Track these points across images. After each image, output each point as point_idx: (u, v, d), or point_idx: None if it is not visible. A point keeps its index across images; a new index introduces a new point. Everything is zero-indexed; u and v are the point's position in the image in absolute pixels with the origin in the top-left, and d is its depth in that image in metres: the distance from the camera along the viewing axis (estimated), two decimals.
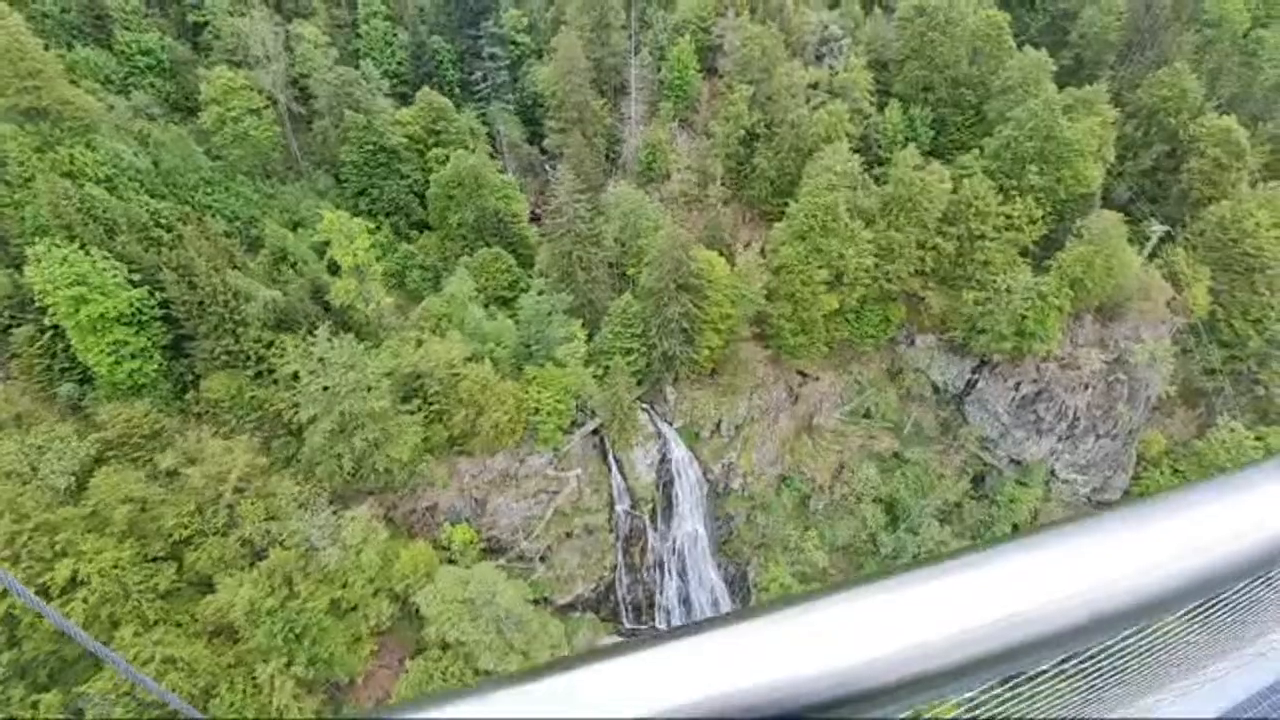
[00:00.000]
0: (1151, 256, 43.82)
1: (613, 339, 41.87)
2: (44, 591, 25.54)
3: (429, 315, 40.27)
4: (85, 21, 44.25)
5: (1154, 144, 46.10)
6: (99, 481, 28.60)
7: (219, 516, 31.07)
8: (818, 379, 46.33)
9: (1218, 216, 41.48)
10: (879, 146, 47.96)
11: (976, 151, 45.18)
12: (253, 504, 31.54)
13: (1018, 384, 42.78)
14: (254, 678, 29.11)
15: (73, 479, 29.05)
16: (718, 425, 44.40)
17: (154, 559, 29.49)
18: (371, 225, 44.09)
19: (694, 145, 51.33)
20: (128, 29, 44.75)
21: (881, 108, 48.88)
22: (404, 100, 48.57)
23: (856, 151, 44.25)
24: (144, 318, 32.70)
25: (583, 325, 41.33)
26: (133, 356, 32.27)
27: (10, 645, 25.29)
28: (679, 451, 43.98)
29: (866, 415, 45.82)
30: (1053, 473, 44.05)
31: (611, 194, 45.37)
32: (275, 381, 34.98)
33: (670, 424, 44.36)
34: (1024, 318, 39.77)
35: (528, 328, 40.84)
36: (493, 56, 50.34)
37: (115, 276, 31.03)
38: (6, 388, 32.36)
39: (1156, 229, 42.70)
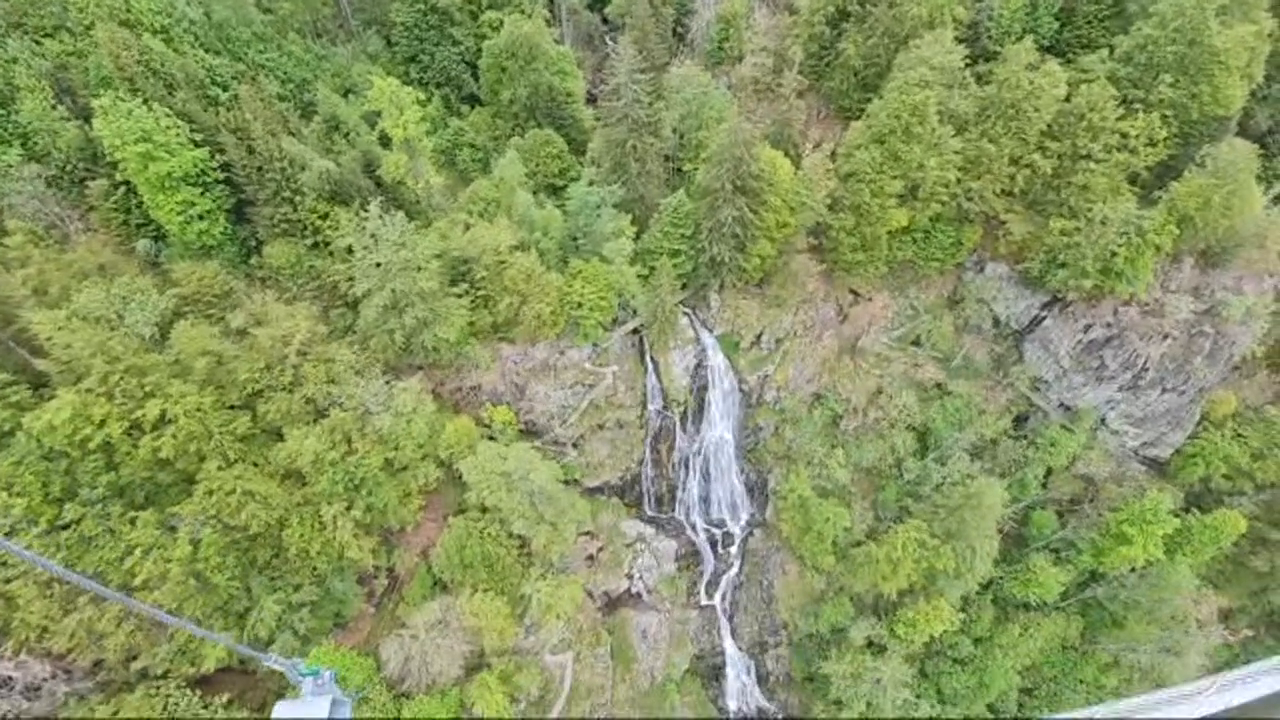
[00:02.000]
0: (1278, 199, 38.14)
1: (661, 238, 40.53)
2: (137, 425, 28.87)
3: (477, 199, 39.62)
4: None
5: None
6: (179, 334, 31.02)
7: (285, 375, 33.60)
8: (870, 299, 44.35)
9: None
10: (989, 37, 41.40)
11: (1105, 52, 38.58)
12: (314, 367, 33.84)
13: (1088, 326, 39.86)
14: (319, 516, 33.08)
15: (155, 329, 31.60)
16: (759, 337, 43.85)
17: (231, 407, 32.62)
18: (422, 96, 42.26)
19: (774, 23, 45.60)
20: None
21: None
22: None
23: (961, 41, 38.39)
24: (208, 180, 33.41)
25: (632, 221, 40.00)
26: (200, 218, 33.46)
27: (108, 469, 29.15)
28: (716, 359, 44.06)
29: (915, 342, 44.19)
30: (1103, 421, 42.27)
31: (675, 75, 41.54)
32: (331, 253, 35.97)
33: (711, 331, 44.05)
34: (1114, 254, 36.03)
35: (575, 219, 39.82)
36: None
37: (178, 135, 31.33)
38: (90, 239, 34.41)
39: None
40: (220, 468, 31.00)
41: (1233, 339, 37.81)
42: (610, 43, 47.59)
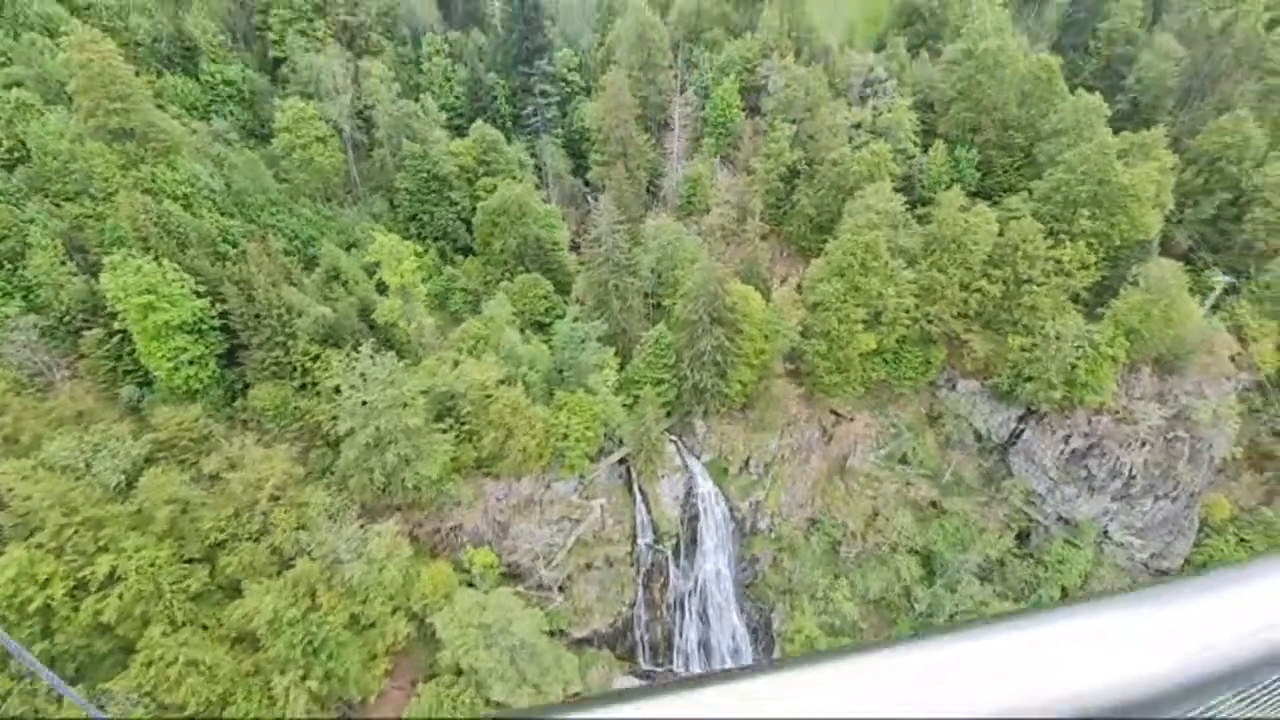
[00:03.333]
0: (1215, 309, 41.52)
1: (644, 369, 41.91)
2: (83, 584, 26.45)
3: (467, 336, 41.26)
4: (175, 52, 48.42)
5: (1215, 192, 44.20)
6: (147, 481, 29.83)
7: (253, 522, 31.86)
8: (852, 419, 45.03)
9: None
10: (922, 186, 47.49)
11: (1025, 194, 44.22)
12: (286, 512, 32.27)
13: (1067, 437, 40.54)
14: (270, 688, 29.23)
15: (123, 476, 30.41)
16: (746, 462, 43.48)
17: (189, 560, 30.33)
18: (420, 249, 45.91)
19: (734, 181, 51.90)
20: (214, 60, 48.72)
21: (926, 148, 48.58)
22: (459, 132, 50.98)
23: (899, 191, 43.90)
24: (204, 327, 34.57)
25: (615, 354, 41.57)
26: (190, 363, 34.02)
27: (44, 635, 26.13)
28: (705, 486, 43.12)
29: (903, 460, 44.10)
30: (1105, 534, 41.15)
31: (651, 225, 46.07)
32: (318, 394, 36.24)
33: (698, 457, 43.66)
34: (1074, 367, 37.97)
35: (561, 353, 41.31)
36: (544, 93, 52.51)
37: (183, 287, 33.03)
38: (73, 386, 34.46)
39: (1220, 280, 40.55)
40: (165, 633, 28.00)
41: (1209, 441, 38.53)
42: (591, 200, 53.31)
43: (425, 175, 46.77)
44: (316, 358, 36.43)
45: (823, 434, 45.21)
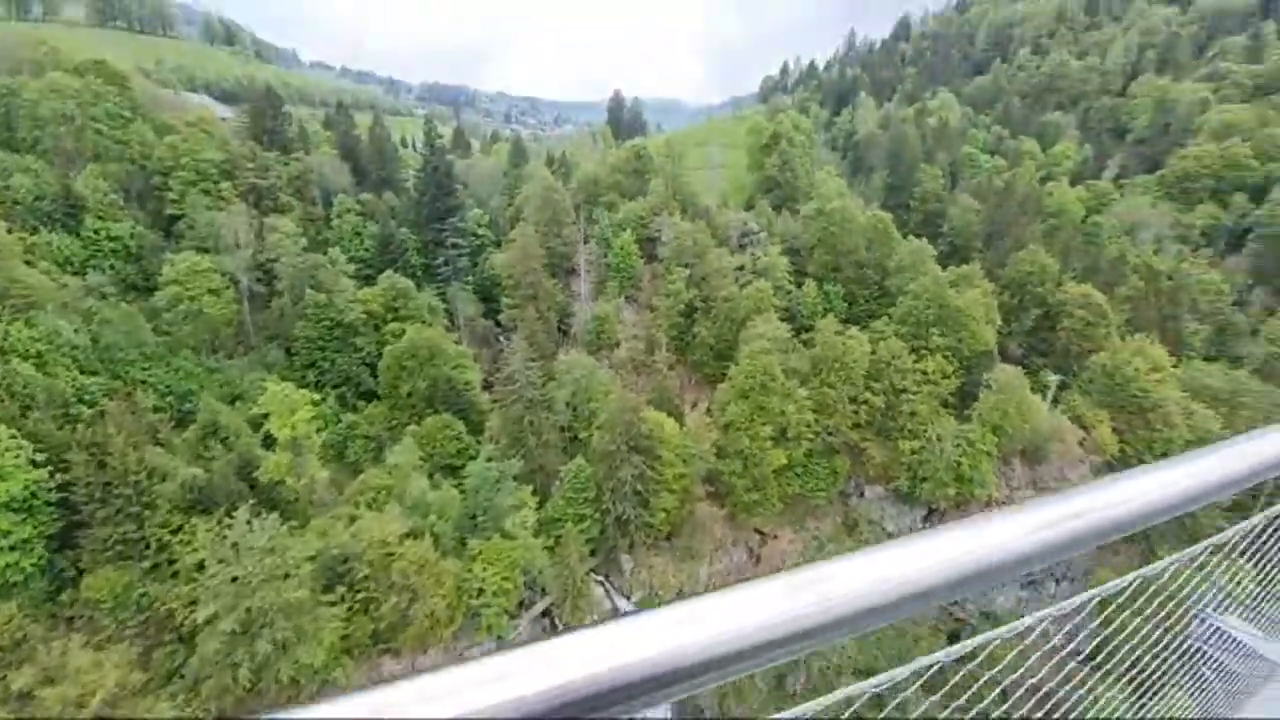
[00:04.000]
0: (1055, 403, 48.53)
1: (565, 505, 40.38)
2: None
3: (368, 488, 38.08)
4: (58, 209, 46.37)
5: (1029, 309, 54.12)
6: None
7: None
8: (776, 537, 45.20)
9: (1100, 364, 47.44)
10: (803, 316, 53.85)
11: (886, 318, 51.38)
12: None
13: None
14: None
15: None
16: (679, 594, 41.31)
17: None
18: (317, 396, 43.52)
19: (639, 318, 55.94)
20: (101, 218, 47.11)
21: (800, 285, 56.05)
22: (368, 282, 51.71)
23: (784, 320, 49.56)
24: (36, 502, 29.25)
25: (533, 492, 39.93)
26: (12, 549, 28.09)
27: None
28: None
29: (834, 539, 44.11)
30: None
31: (563, 361, 47.51)
32: (174, 575, 30.79)
33: (628, 597, 40.95)
34: (959, 464, 41.76)
35: (474, 496, 39.02)
36: (455, 245, 55.65)
37: (17, 456, 28.36)
38: None
39: (1052, 379, 48.01)
40: None
41: None
42: (503, 340, 54.62)
43: (329, 323, 46.03)
44: (178, 529, 31.55)
45: (750, 555, 44.67)
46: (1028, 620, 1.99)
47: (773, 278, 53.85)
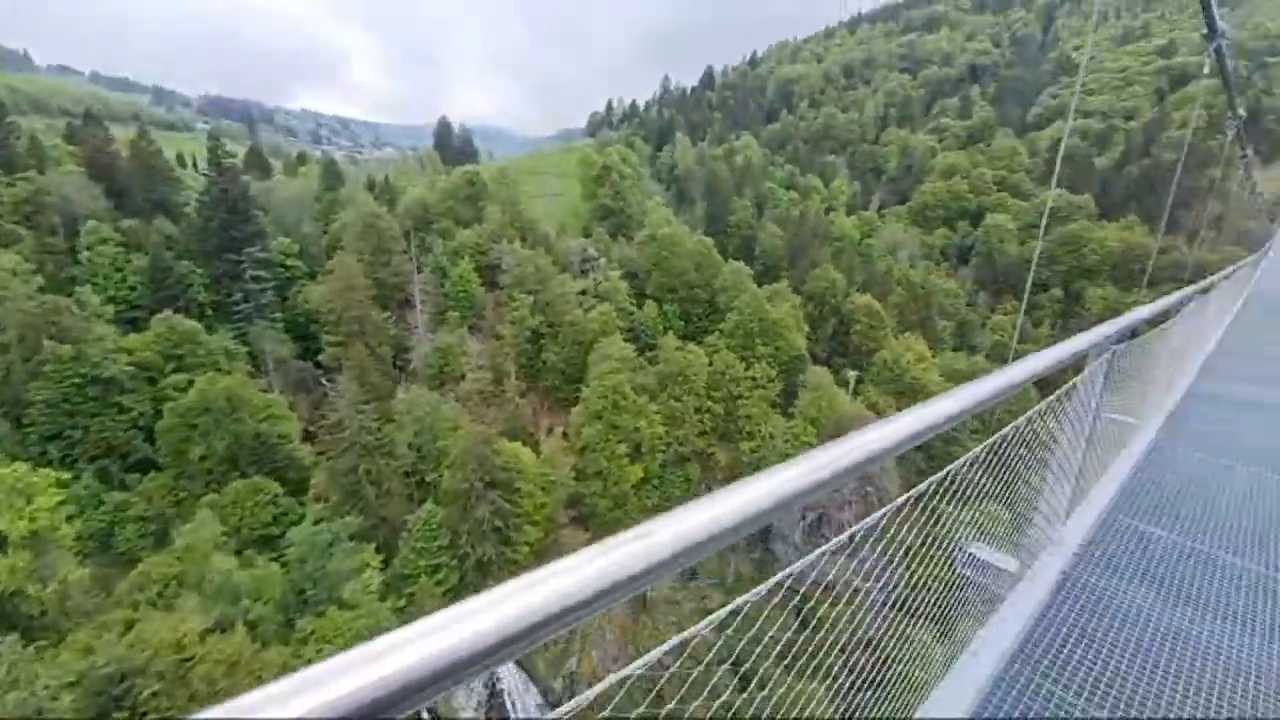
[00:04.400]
0: (855, 395, 57.31)
1: (415, 558, 36.77)
2: None
3: (149, 581, 30.77)
4: None
5: (828, 318, 63.46)
6: None
7: None
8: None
9: (883, 359, 57.25)
10: (645, 335, 56.64)
11: (719, 333, 56.34)
12: None
13: (803, 514, 48.63)
14: None
15: None
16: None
17: None
18: (65, 475, 34.22)
19: (485, 347, 53.90)
20: None
21: (640, 306, 59.00)
22: (134, 326, 42.43)
23: (629, 340, 51.63)
24: None
25: (376, 550, 35.74)
26: None
27: None
28: (509, 680, 37.60)
29: (693, 577, 46.27)
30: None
31: (402, 400, 43.79)
32: None
33: None
34: (789, 455, 46.93)
35: (301, 568, 33.69)
36: (257, 279, 48.40)
37: None
38: None
39: (851, 374, 56.68)
40: None
41: (887, 490, 50.71)
42: (327, 383, 48.56)
43: (79, 380, 36.74)
44: None
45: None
46: (799, 564, 2.33)
47: (615, 301, 55.91)
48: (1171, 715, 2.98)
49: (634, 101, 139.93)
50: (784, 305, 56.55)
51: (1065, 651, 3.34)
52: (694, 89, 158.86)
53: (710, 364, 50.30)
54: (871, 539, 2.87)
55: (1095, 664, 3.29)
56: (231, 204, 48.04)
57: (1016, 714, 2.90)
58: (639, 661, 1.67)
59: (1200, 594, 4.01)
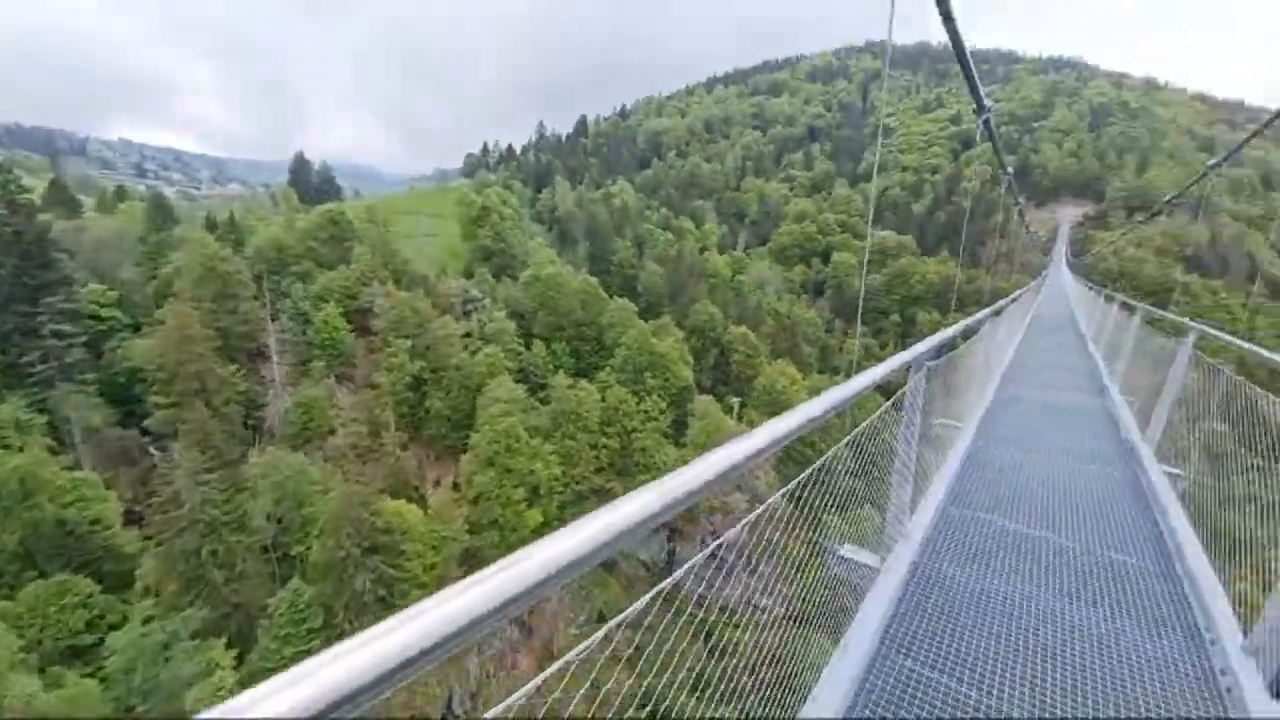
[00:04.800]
0: (739, 419, 60.85)
1: (280, 647, 31.74)
2: None
3: None
4: None
5: (710, 349, 67.28)
6: None
7: None
8: (549, 599, 44.18)
9: (760, 385, 61.61)
10: (536, 375, 55.76)
11: (609, 368, 57.13)
12: None
13: (702, 539, 49.94)
14: None
15: None
16: (449, 702, 36.34)
17: None
18: None
19: (358, 398, 49.45)
20: None
21: (529, 346, 58.16)
22: None
23: (519, 382, 50.45)
24: None
25: (228, 645, 30.41)
26: None
27: None
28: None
29: (601, 618, 45.05)
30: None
31: (258, 464, 38.50)
32: None
33: None
34: None
35: (127, 679, 27.64)
36: (60, 334, 40.40)
37: None
38: None
39: (734, 400, 60.22)
40: None
41: (775, 507, 53.80)
42: (157, 453, 41.19)
43: None
44: None
45: (522, 628, 42.45)
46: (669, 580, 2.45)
47: (502, 342, 54.62)
48: (1013, 675, 3.48)
49: (510, 145, 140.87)
50: (669, 339, 59.04)
51: (921, 632, 3.82)
52: (569, 136, 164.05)
53: (603, 400, 50.67)
54: (748, 550, 3.13)
55: (946, 639, 3.78)
56: (25, 247, 40.06)
57: (885, 696, 3.26)
58: (520, 692, 1.71)
59: (1020, 566, 4.78)
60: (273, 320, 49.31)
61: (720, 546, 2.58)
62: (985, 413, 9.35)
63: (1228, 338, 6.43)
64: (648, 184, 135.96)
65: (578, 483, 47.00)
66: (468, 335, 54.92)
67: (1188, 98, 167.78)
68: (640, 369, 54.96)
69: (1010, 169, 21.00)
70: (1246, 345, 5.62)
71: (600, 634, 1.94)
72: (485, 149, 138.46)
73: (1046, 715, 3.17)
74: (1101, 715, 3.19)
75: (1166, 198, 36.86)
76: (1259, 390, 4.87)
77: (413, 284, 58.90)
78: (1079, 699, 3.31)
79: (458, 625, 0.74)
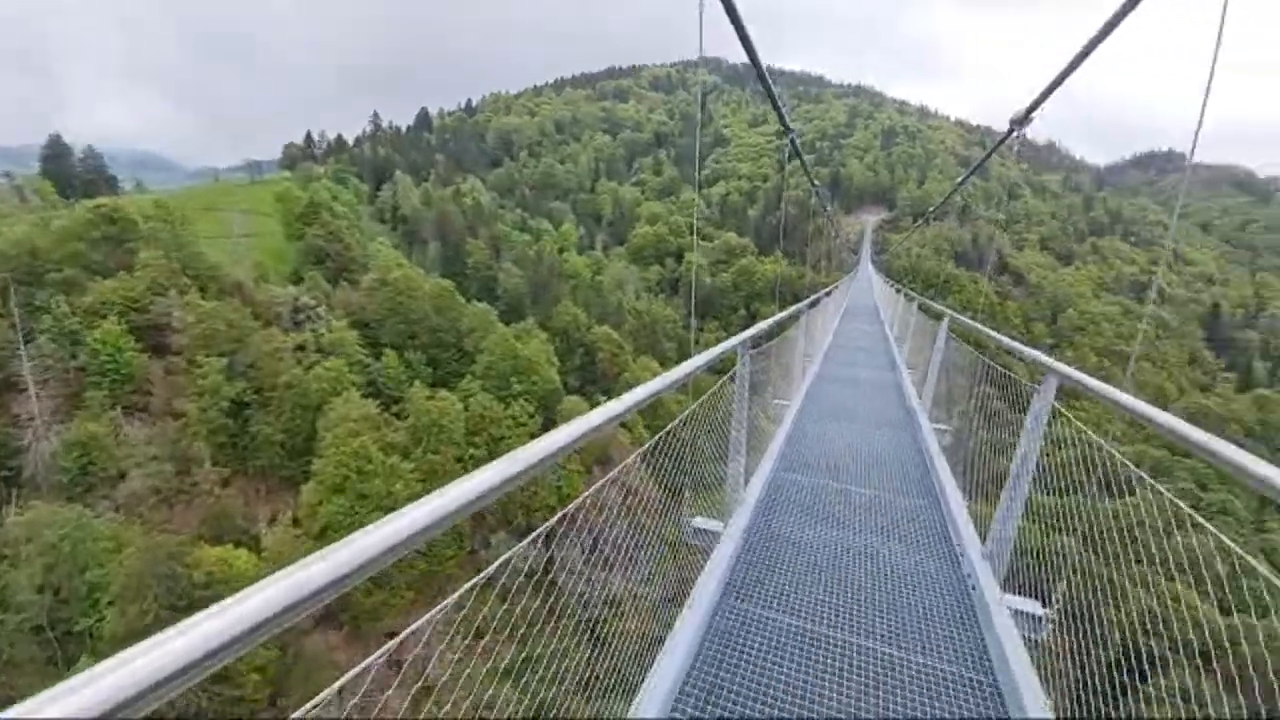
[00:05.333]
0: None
1: None
2: None
3: None
4: None
5: (575, 349, 67.64)
6: None
7: None
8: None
9: (626, 382, 63.42)
10: (389, 388, 51.34)
11: (471, 375, 54.64)
12: None
13: (582, 548, 50.13)
14: None
15: None
16: None
17: None
18: None
19: (155, 431, 41.32)
20: None
21: (379, 356, 53.30)
22: None
23: (369, 396, 46.04)
24: None
25: None
26: None
27: None
28: None
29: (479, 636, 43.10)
30: None
31: (19, 523, 30.45)
32: None
33: None
34: (559, 486, 48.07)
35: None
36: None
37: None
38: None
39: (601, 399, 61.14)
40: None
41: None
42: None
43: None
44: None
45: (389, 664, 38.82)
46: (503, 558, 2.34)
47: (345, 353, 49.39)
48: (823, 602, 4.28)
49: (339, 136, 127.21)
50: (533, 342, 58.16)
51: (753, 579, 4.54)
52: (410, 128, 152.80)
53: (466, 409, 48.37)
54: (615, 533, 3.50)
55: (779, 583, 4.51)
56: None
57: (726, 635, 3.86)
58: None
59: (831, 515, 5.79)
60: (26, 343, 39.22)
61: (564, 520, 2.78)
62: (808, 390, 10.87)
63: (966, 321, 8.36)
64: (501, 183, 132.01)
65: None
66: (301, 349, 48.73)
67: (951, 124, 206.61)
68: (505, 375, 53.44)
69: (819, 182, 24.26)
70: (975, 325, 7.56)
71: (407, 632, 1.81)
72: (310, 139, 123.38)
73: (845, 628, 4.00)
74: (884, 620, 4.10)
75: (931, 208, 45.39)
76: (991, 361, 6.40)
77: (224, 292, 50.64)
78: (869, 611, 4.19)
79: (248, 625, 0.74)
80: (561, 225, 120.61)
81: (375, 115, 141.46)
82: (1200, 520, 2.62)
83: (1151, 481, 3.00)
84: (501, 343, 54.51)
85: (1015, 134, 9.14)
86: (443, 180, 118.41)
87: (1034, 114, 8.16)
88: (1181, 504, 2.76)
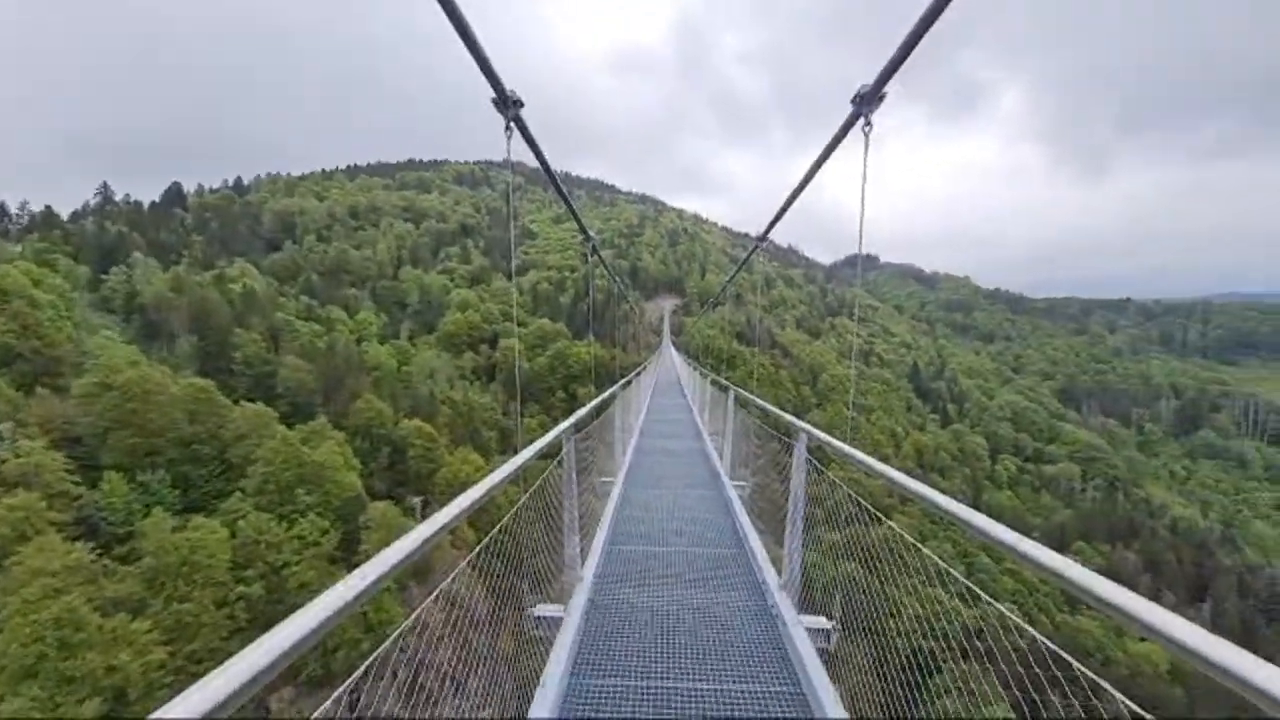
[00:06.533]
0: (423, 517, 55.70)
1: None
2: None
3: None
4: None
5: (381, 448, 60.58)
6: None
7: None
8: None
9: (444, 477, 58.30)
10: (111, 524, 39.30)
11: (240, 493, 44.91)
12: None
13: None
14: None
15: None
16: None
17: None
18: None
19: None
20: None
21: (95, 484, 40.85)
22: None
23: (78, 539, 34.58)
24: None
25: None
26: None
27: None
28: None
29: None
30: None
31: None
32: None
33: None
34: (365, 614, 40.79)
35: None
36: None
37: None
38: None
39: (416, 500, 55.19)
40: None
41: None
42: None
43: None
44: None
45: None
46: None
47: (42, 484, 36.96)
48: (659, 656, 4.62)
49: (48, 208, 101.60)
50: (326, 444, 50.65)
51: (605, 650, 4.78)
52: (155, 204, 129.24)
53: (234, 535, 39.26)
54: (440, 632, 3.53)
55: (623, 650, 4.79)
56: None
57: (583, 710, 4.05)
58: None
59: (656, 575, 6.32)
60: None
61: (401, 636, 2.60)
62: (629, 465, 11.76)
63: (744, 393, 10.16)
64: (281, 269, 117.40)
65: (201, 659, 34.12)
66: None
67: (719, 229, 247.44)
68: (288, 486, 45.11)
69: (619, 276, 26.98)
70: (750, 395, 9.32)
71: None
72: (3, 210, 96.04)
73: (681, 677, 4.38)
74: (711, 661, 4.49)
75: (714, 296, 53.42)
76: (764, 424, 7.84)
77: None
78: (698, 655, 4.62)
79: None
80: (358, 313, 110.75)
81: (105, 186, 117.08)
82: (913, 541, 3.72)
83: (878, 514, 4.17)
84: (283, 449, 46.32)
85: (762, 242, 11.92)
86: (201, 264, 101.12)
87: (774, 226, 10.65)
88: (906, 534, 3.88)
